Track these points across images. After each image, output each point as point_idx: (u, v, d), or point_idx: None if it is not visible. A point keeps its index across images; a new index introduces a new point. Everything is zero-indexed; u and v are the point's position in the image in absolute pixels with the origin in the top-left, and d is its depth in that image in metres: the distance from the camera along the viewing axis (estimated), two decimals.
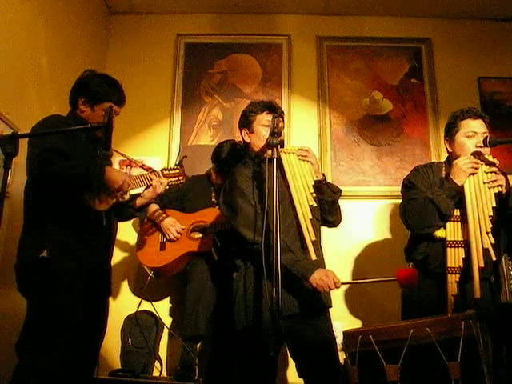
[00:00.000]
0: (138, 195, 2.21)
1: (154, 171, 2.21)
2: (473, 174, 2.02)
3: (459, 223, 2.04)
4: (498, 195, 1.99)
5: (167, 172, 2.26)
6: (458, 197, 2.03)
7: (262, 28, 3.62)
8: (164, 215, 2.78)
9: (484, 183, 2.00)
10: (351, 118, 3.45)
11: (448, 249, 2.03)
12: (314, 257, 1.92)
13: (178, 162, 2.39)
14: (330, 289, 1.86)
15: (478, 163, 2.03)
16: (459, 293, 1.98)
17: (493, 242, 1.94)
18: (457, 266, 2.00)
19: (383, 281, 1.92)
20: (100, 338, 2.02)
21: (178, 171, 2.31)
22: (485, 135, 2.10)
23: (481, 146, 2.08)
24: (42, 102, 2.55)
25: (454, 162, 2.07)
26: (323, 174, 2.16)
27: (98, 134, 1.87)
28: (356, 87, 3.51)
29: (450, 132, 2.20)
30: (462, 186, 2.02)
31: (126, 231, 3.08)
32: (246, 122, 2.16)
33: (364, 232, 3.24)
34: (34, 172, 1.84)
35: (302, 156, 2.06)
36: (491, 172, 2.02)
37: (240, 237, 1.98)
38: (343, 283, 1.92)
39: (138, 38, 3.60)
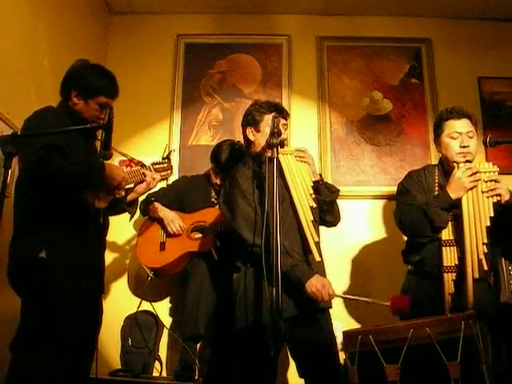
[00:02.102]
0: (130, 190, 2.19)
1: (144, 165, 2.21)
2: (472, 188, 1.99)
3: (454, 222, 2.04)
4: (496, 203, 1.97)
5: (157, 166, 2.25)
6: (454, 206, 2.02)
7: (262, 28, 3.62)
8: (166, 209, 2.78)
9: (482, 192, 1.98)
10: (351, 118, 3.45)
11: (443, 248, 2.03)
12: (318, 258, 1.92)
13: (165, 156, 2.39)
14: (324, 300, 1.87)
15: (478, 172, 1.99)
16: (456, 291, 1.98)
17: (486, 251, 1.91)
18: (453, 264, 2.00)
19: (376, 303, 1.93)
20: (96, 338, 2.01)
21: (166, 165, 2.31)
22: (470, 135, 2.10)
23: (465, 146, 2.07)
24: (42, 102, 2.53)
25: (455, 175, 2.03)
26: (320, 175, 2.16)
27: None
28: (356, 87, 3.51)
29: (436, 133, 2.21)
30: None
31: (126, 231, 3.08)
32: (252, 121, 2.16)
33: (364, 232, 3.24)
34: (32, 170, 1.79)
35: (300, 157, 2.06)
36: (490, 180, 1.99)
37: (240, 238, 1.98)
38: (337, 296, 1.93)
39: (138, 38, 3.60)
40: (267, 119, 2.12)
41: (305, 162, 2.07)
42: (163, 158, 2.35)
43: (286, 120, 2.16)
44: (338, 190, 2.21)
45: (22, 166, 1.87)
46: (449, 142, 2.12)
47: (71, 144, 1.84)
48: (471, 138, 2.10)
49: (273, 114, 2.11)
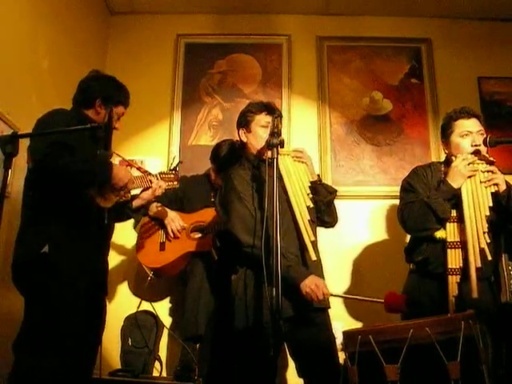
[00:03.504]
0: (135, 196, 2.21)
1: (150, 174, 2.22)
2: (470, 176, 2.02)
3: (458, 224, 2.04)
4: (494, 194, 2.00)
5: (164, 176, 2.26)
6: (455, 198, 2.04)
7: (262, 28, 3.62)
8: (167, 209, 2.78)
9: (481, 182, 2.01)
10: (351, 118, 3.45)
11: (448, 250, 2.03)
12: (314, 257, 1.92)
13: (172, 168, 2.40)
14: (319, 300, 1.87)
15: (475, 163, 2.03)
16: (460, 293, 1.97)
17: (488, 241, 1.94)
18: (457, 266, 2.00)
19: (371, 301, 1.93)
20: (99, 339, 2.02)
21: (172, 176, 2.32)
22: (480, 133, 2.11)
23: (476, 145, 2.08)
24: (42, 102, 2.55)
25: (452, 164, 2.06)
26: (318, 175, 2.16)
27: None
28: (356, 87, 3.51)
29: (445, 133, 2.20)
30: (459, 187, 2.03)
31: (126, 232, 3.07)
32: (244, 122, 2.16)
33: (364, 232, 3.24)
34: (39, 166, 1.80)
35: (297, 157, 2.06)
36: (488, 171, 2.02)
37: (235, 240, 1.98)
38: (332, 295, 1.93)
39: (138, 38, 3.60)
40: (258, 119, 2.13)
41: (302, 162, 2.07)
42: (170, 170, 2.36)
43: (280, 120, 2.16)
44: (336, 191, 2.20)
45: (32, 163, 1.87)
46: (460, 142, 2.13)
47: (80, 144, 1.85)
48: (482, 135, 2.12)
49: (263, 113, 2.12)
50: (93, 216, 1.88)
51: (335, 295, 1.99)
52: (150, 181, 2.18)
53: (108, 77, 2.15)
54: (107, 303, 2.14)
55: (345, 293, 3.08)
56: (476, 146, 2.08)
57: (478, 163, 2.04)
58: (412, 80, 3.53)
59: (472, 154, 2.08)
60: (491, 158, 2.06)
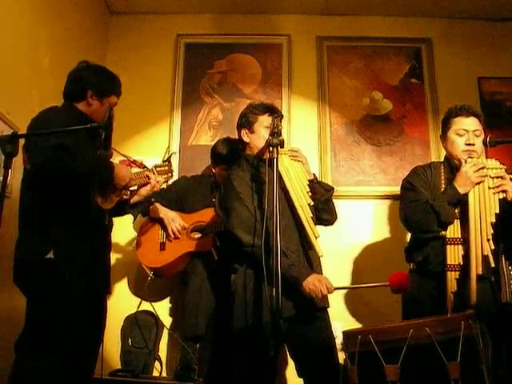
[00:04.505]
0: (133, 192, 2.20)
1: (146, 169, 2.22)
2: (479, 182, 2.00)
3: (459, 220, 2.03)
4: (502, 200, 1.98)
5: (159, 169, 2.27)
6: (461, 203, 2.02)
7: (262, 28, 3.62)
8: (167, 209, 2.78)
9: (489, 189, 1.98)
10: (351, 118, 3.45)
11: (447, 246, 2.02)
12: (321, 253, 1.95)
13: (165, 159, 2.39)
14: (323, 294, 1.87)
15: (485, 168, 2.00)
16: (459, 290, 1.97)
17: (493, 248, 1.93)
18: (456, 263, 1.99)
19: (376, 286, 1.93)
20: (99, 339, 2.02)
21: (166, 168, 2.32)
22: (477, 133, 2.10)
23: (470, 144, 2.07)
24: (42, 101, 2.54)
25: (462, 169, 2.03)
26: (314, 174, 2.17)
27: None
28: (356, 87, 3.51)
29: (444, 129, 2.21)
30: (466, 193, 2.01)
31: (126, 231, 3.08)
32: (246, 123, 2.17)
33: (364, 232, 3.24)
34: (42, 169, 1.79)
35: (294, 156, 2.07)
36: (497, 177, 2.00)
37: (235, 238, 1.98)
38: (336, 288, 1.93)
39: (138, 38, 3.60)
40: (261, 120, 2.14)
41: (299, 160, 2.08)
42: (164, 161, 2.36)
43: (281, 121, 2.17)
44: (333, 189, 2.22)
45: (31, 166, 1.85)
46: (455, 139, 2.13)
47: (79, 144, 1.85)
48: (477, 136, 2.11)
49: (266, 114, 2.14)
50: (95, 217, 1.88)
51: (338, 288, 1.98)
52: (148, 177, 2.18)
53: (97, 66, 2.11)
54: (107, 303, 2.14)
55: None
56: (469, 144, 2.08)
57: (487, 168, 2.01)
58: (412, 80, 3.52)
59: (467, 154, 2.07)
60: (501, 165, 2.02)
